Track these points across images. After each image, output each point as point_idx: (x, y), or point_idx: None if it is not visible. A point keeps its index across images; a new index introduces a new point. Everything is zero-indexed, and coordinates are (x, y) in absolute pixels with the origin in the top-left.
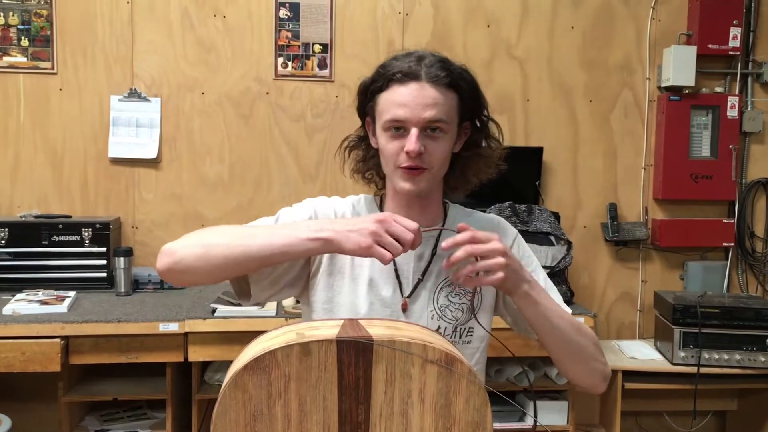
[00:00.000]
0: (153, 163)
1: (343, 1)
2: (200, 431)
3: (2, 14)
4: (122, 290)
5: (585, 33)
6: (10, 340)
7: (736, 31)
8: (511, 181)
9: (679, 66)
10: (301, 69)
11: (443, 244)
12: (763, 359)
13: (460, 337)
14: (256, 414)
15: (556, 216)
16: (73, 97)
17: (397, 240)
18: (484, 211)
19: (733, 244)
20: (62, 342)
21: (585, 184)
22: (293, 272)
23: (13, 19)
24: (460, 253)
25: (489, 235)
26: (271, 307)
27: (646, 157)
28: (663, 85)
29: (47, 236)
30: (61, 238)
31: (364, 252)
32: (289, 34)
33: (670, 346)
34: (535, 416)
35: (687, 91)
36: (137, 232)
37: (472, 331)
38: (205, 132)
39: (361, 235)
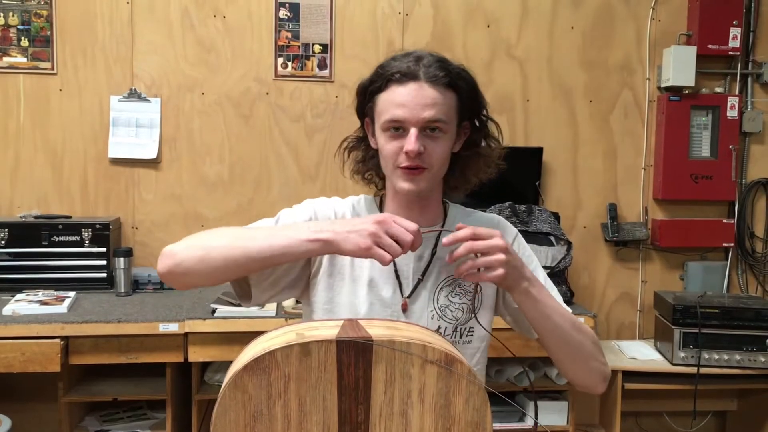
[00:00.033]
0: (153, 164)
1: (343, 1)
2: (200, 431)
3: (2, 14)
4: (122, 290)
5: (585, 33)
6: (10, 341)
7: (736, 32)
8: (511, 181)
9: (679, 66)
10: (301, 69)
11: (444, 240)
12: (763, 359)
13: (461, 337)
14: (256, 414)
15: (556, 216)
16: (73, 98)
17: (396, 241)
18: (485, 211)
19: (733, 244)
20: (62, 342)
21: (585, 185)
22: (293, 273)
23: (13, 20)
24: (460, 249)
25: (490, 231)
26: (271, 308)
27: (646, 157)
28: (663, 85)
29: (47, 236)
30: (61, 238)
31: (364, 253)
32: (289, 35)
33: (670, 347)
34: (536, 417)
35: (687, 92)
36: (137, 232)
37: (472, 331)
38: (205, 132)
39: (360, 236)
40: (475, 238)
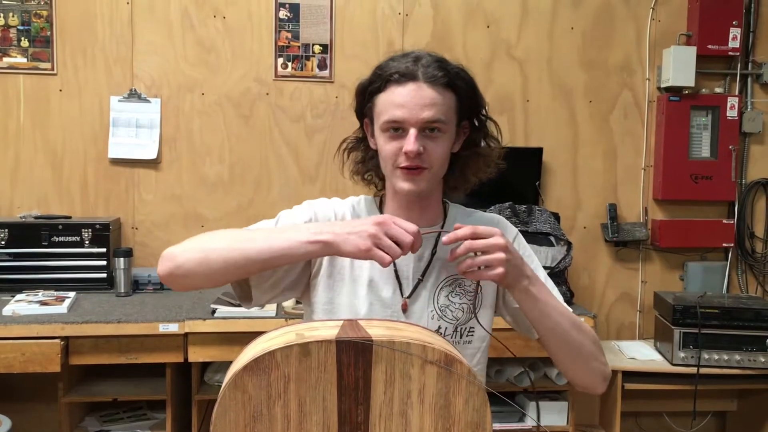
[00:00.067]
0: (153, 164)
1: (343, 1)
2: (200, 431)
3: (2, 15)
4: (122, 291)
5: (585, 33)
6: (10, 341)
7: (735, 32)
8: (510, 181)
9: (679, 66)
10: (301, 69)
11: (444, 238)
12: (762, 360)
13: (461, 337)
14: (256, 415)
15: (556, 216)
16: (73, 98)
17: (396, 242)
18: (485, 212)
19: (732, 244)
20: (62, 342)
21: (585, 185)
22: (293, 275)
23: (13, 20)
24: (460, 248)
25: (490, 230)
26: (270, 308)
27: (646, 157)
28: (663, 85)
29: (47, 237)
30: (61, 238)
31: (363, 255)
32: (289, 35)
33: (670, 347)
34: (538, 419)
35: (687, 92)
36: (137, 232)
37: (473, 331)
38: (205, 132)
39: (360, 237)
40: (474, 236)
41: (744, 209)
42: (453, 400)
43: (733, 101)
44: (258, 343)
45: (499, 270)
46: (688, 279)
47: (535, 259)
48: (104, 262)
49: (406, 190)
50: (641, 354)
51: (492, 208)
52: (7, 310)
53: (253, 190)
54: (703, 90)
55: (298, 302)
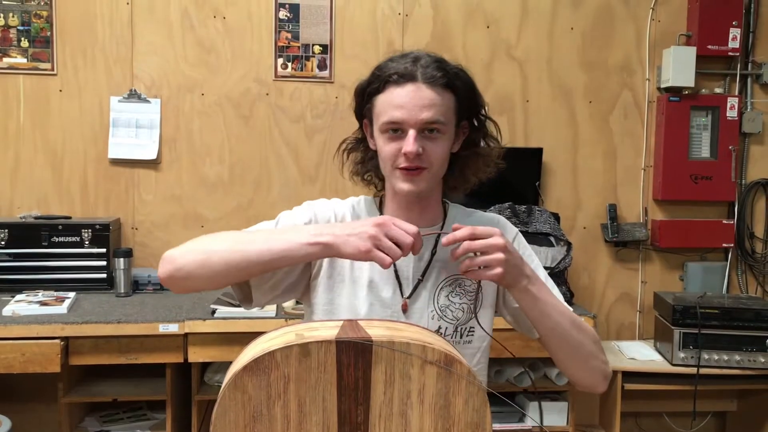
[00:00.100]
0: (153, 164)
1: (342, 2)
2: None
3: (2, 15)
4: (122, 291)
5: (585, 34)
6: (10, 341)
7: (735, 32)
8: (510, 181)
9: (679, 67)
10: (301, 70)
11: (443, 240)
12: (762, 360)
13: (461, 337)
14: (256, 415)
15: (556, 217)
16: (72, 98)
17: (396, 244)
18: (485, 212)
19: (732, 244)
20: (62, 343)
21: (585, 185)
22: (293, 276)
23: (13, 20)
24: (459, 249)
25: (490, 230)
26: (270, 308)
27: (646, 157)
28: (663, 86)
29: (47, 237)
30: (61, 239)
31: (364, 256)
32: (289, 35)
33: (670, 347)
34: (541, 421)
35: (686, 92)
36: (137, 233)
37: (473, 331)
38: (204, 133)
39: (360, 239)
40: (473, 237)
41: (744, 209)
42: (453, 400)
43: (732, 101)
44: (258, 343)
45: (498, 270)
46: (687, 279)
47: (535, 259)
48: (104, 263)
49: (406, 191)
50: (641, 354)
51: (492, 208)
52: (7, 310)
53: (253, 190)
54: (703, 90)
55: (298, 303)
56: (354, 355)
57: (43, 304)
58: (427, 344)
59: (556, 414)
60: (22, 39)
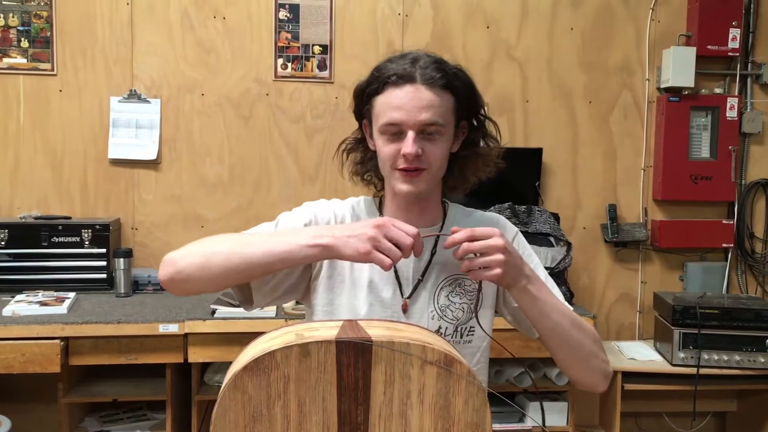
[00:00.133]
0: (153, 165)
1: (342, 2)
2: None
3: (2, 15)
4: (122, 291)
5: (584, 34)
6: (10, 342)
7: (735, 32)
8: (510, 182)
9: (679, 67)
10: (301, 70)
11: (444, 243)
12: (762, 360)
13: (461, 337)
14: (256, 415)
15: (556, 217)
16: (72, 99)
17: (396, 245)
18: (484, 212)
19: (732, 245)
20: (62, 343)
21: (584, 185)
22: (293, 277)
23: (13, 21)
24: (459, 251)
25: (489, 231)
26: (270, 309)
27: (646, 158)
28: (662, 86)
29: (47, 237)
30: (61, 239)
31: (364, 258)
32: (289, 36)
33: (670, 347)
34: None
35: (686, 92)
36: (137, 233)
37: (473, 331)
38: (204, 133)
39: (359, 241)
40: (472, 239)
41: (744, 210)
42: (453, 400)
43: (732, 102)
44: (258, 343)
45: (497, 271)
46: (687, 279)
47: (535, 258)
48: (104, 263)
49: (405, 192)
50: (641, 354)
51: (492, 208)
52: (7, 310)
53: (253, 190)
54: (703, 90)
55: (298, 303)
56: (354, 355)
57: (43, 304)
58: (427, 344)
59: (556, 414)
60: (22, 39)
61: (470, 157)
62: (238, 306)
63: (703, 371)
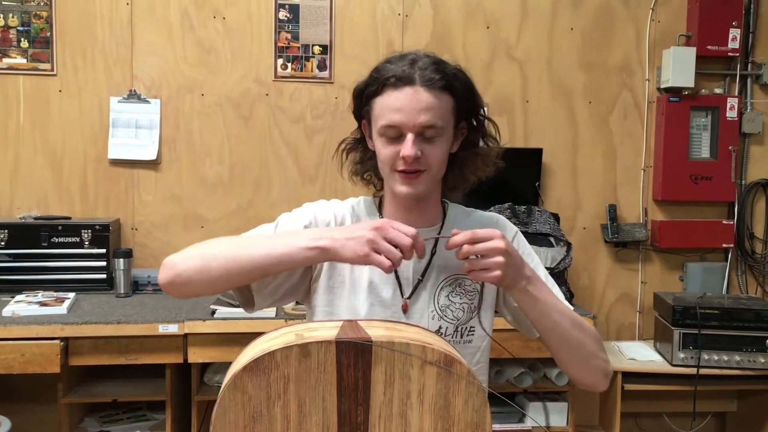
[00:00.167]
0: (152, 165)
1: (342, 2)
2: None
3: (2, 16)
4: (122, 292)
5: (584, 34)
6: (10, 342)
7: (735, 33)
8: (510, 182)
9: (679, 67)
10: (301, 70)
11: (445, 246)
12: (762, 360)
13: (462, 337)
14: (256, 415)
15: (556, 217)
16: (72, 99)
17: (395, 246)
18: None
19: (732, 245)
20: (62, 343)
21: (584, 186)
22: (293, 280)
23: (13, 21)
24: (459, 253)
25: (490, 233)
26: (270, 309)
27: (646, 158)
28: (662, 86)
29: (47, 238)
30: (61, 239)
31: (362, 260)
32: (289, 36)
33: (670, 347)
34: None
35: (686, 93)
36: (137, 233)
37: (473, 331)
38: (204, 133)
39: (358, 243)
40: (473, 241)
41: (744, 210)
42: (452, 400)
43: (732, 102)
44: (258, 343)
45: (497, 273)
46: (687, 280)
47: (535, 258)
48: (104, 263)
49: (405, 194)
50: (641, 355)
51: (492, 208)
52: (7, 311)
53: (253, 190)
54: (703, 91)
55: (298, 303)
56: (354, 356)
57: (42, 304)
58: (427, 344)
59: (556, 414)
60: (22, 39)
61: (470, 157)
62: (238, 306)
63: (703, 371)
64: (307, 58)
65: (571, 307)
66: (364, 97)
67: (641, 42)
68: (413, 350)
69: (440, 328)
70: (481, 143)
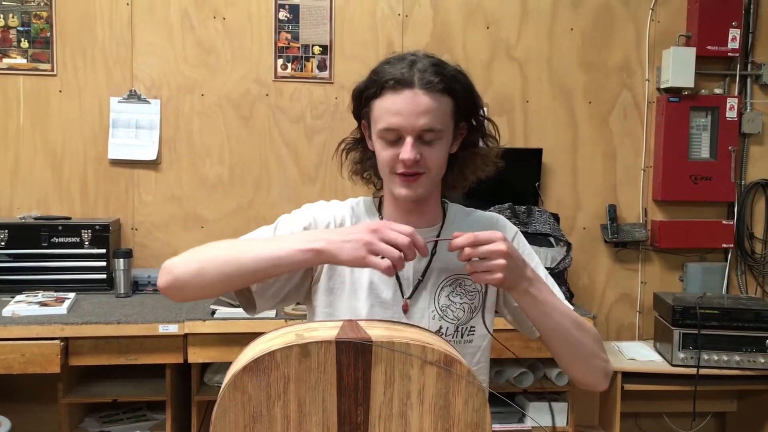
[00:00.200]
0: (153, 165)
1: (342, 2)
2: None
3: (2, 16)
4: (122, 292)
5: (584, 34)
6: (10, 342)
7: (735, 33)
8: (510, 182)
9: (679, 67)
10: (301, 70)
11: (447, 247)
12: (762, 360)
13: (462, 337)
14: (256, 415)
15: (556, 217)
16: (72, 99)
17: (394, 246)
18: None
19: (732, 245)
20: (62, 343)
21: (584, 186)
22: (294, 281)
23: (13, 21)
24: (461, 256)
25: (492, 235)
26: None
27: (646, 158)
28: (662, 86)
29: (47, 238)
30: (61, 239)
31: (359, 263)
32: (289, 36)
33: (670, 348)
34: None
35: (686, 93)
36: (137, 233)
37: (473, 331)
38: (204, 133)
39: (355, 245)
40: (475, 244)
41: (743, 210)
42: (452, 400)
43: (732, 102)
44: (258, 343)
45: (499, 275)
46: (687, 280)
47: (535, 258)
48: (104, 263)
49: (404, 196)
50: (641, 355)
51: (492, 208)
52: (7, 311)
53: (253, 191)
54: (703, 91)
55: (298, 303)
56: (354, 356)
57: (42, 304)
58: (427, 344)
59: (556, 414)
60: (22, 40)
61: (469, 157)
62: (238, 306)
63: (702, 371)
64: (307, 59)
65: (572, 307)
66: (363, 99)
67: (641, 42)
68: (413, 350)
69: (441, 328)
70: (481, 143)
